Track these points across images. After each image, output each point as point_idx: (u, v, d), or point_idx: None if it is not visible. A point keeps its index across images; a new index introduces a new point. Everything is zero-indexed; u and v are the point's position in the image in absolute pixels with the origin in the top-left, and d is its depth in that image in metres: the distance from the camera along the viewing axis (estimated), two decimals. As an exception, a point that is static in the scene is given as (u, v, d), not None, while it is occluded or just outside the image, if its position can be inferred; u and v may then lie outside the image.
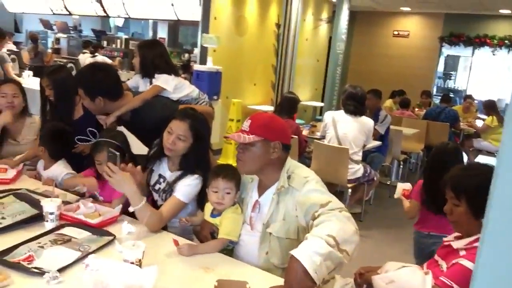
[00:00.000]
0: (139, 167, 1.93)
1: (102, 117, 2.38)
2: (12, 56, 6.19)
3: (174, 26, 9.69)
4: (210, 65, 5.74)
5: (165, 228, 2.05)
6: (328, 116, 4.24)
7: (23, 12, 10.17)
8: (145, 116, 2.37)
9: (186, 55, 7.59)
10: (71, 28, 10.45)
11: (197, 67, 5.74)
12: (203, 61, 5.99)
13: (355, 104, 4.10)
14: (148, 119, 2.34)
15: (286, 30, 6.66)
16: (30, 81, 5.79)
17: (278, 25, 7.34)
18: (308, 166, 4.33)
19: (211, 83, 5.57)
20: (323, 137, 4.34)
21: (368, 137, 4.09)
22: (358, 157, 4.09)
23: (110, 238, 1.73)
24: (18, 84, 2.76)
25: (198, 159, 2.03)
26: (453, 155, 2.50)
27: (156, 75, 2.61)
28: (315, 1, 8.45)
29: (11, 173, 2.33)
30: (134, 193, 1.80)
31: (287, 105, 4.46)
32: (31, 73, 6.36)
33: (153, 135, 2.15)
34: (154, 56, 2.67)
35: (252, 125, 1.68)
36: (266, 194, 1.76)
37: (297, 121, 4.63)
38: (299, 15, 6.77)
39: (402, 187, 2.67)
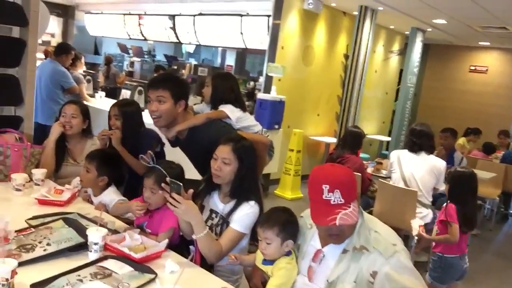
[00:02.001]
0: (190, 191, 1.85)
1: (165, 132, 2.35)
2: (88, 77, 6.52)
3: (242, 54, 9.84)
4: (273, 94, 5.67)
5: (212, 267, 1.93)
6: (394, 155, 3.96)
7: (103, 36, 10.85)
8: (203, 135, 2.30)
9: (252, 83, 7.60)
10: (145, 53, 10.95)
11: (260, 95, 5.70)
12: (267, 89, 5.94)
13: (421, 141, 3.80)
14: (204, 139, 2.26)
15: (355, 61, 6.48)
16: (102, 102, 6.04)
17: (346, 56, 7.17)
18: (371, 206, 4.06)
19: (273, 112, 5.50)
20: (388, 177, 4.06)
21: (439, 180, 3.74)
22: (427, 201, 3.75)
23: (152, 276, 1.63)
24: (80, 105, 2.82)
25: (248, 184, 1.96)
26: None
27: (222, 105, 2.68)
28: (387, 33, 8.21)
29: (66, 195, 2.33)
30: (198, 221, 1.78)
31: (351, 140, 4.23)
32: (103, 94, 6.66)
33: (207, 157, 2.08)
34: (225, 88, 2.77)
35: (345, 194, 1.41)
36: (332, 246, 1.56)
37: (361, 155, 4.39)
38: (369, 46, 6.57)
39: (417, 223, 2.80)
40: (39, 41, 9.16)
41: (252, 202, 1.93)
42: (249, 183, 1.98)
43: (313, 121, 7.03)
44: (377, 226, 1.51)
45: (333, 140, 6.88)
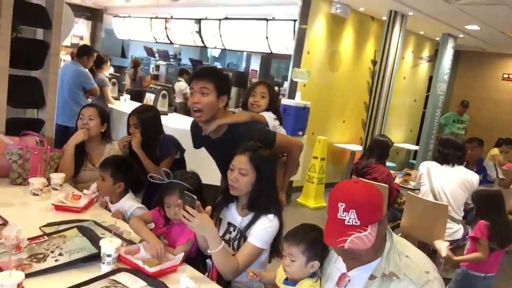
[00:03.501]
0: (208, 208, 1.75)
1: (205, 126, 2.22)
2: (113, 80, 6.55)
3: (267, 58, 9.75)
4: (298, 100, 5.56)
5: (229, 283, 1.83)
6: (423, 166, 3.78)
7: (130, 39, 10.97)
8: (243, 134, 2.15)
9: (276, 88, 7.51)
10: (171, 56, 11.02)
11: (285, 101, 5.59)
12: (292, 95, 5.84)
13: (454, 153, 3.60)
14: (244, 138, 2.10)
15: (383, 67, 6.29)
16: (127, 105, 6.06)
17: (374, 62, 6.99)
18: (398, 219, 3.88)
19: (297, 118, 5.38)
20: (417, 189, 3.88)
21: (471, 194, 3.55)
22: (458, 216, 3.56)
23: (166, 292, 1.54)
24: (98, 108, 2.78)
25: (267, 195, 1.86)
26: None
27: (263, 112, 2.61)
28: (416, 39, 7.98)
29: (84, 201, 2.28)
30: (214, 236, 1.70)
31: (378, 150, 4.07)
32: (128, 97, 6.68)
33: None
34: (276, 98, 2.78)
35: (361, 216, 1.27)
36: (358, 270, 1.42)
37: (388, 164, 4.21)
38: (398, 52, 6.38)
39: (443, 245, 2.71)
40: (68, 43, 9.31)
41: (271, 216, 1.83)
42: (268, 194, 1.87)
43: (338, 128, 6.87)
44: (408, 250, 1.38)
45: (359, 148, 6.70)
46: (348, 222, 1.27)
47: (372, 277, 1.36)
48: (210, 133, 2.20)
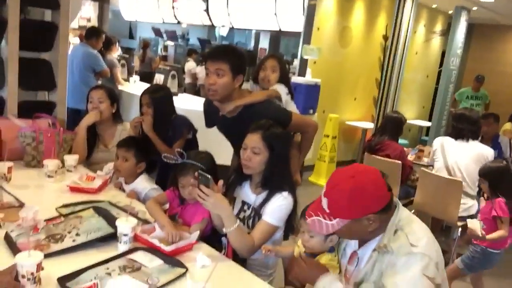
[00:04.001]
0: (220, 182, 1.74)
1: (221, 106, 2.20)
2: (122, 61, 6.53)
3: (276, 36, 9.62)
4: (308, 78, 5.49)
5: (244, 261, 1.84)
6: (437, 142, 3.73)
7: (137, 20, 10.87)
8: (260, 113, 2.12)
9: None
10: (179, 36, 10.92)
11: (295, 79, 5.52)
12: (302, 72, 5.76)
13: (469, 128, 3.55)
14: (262, 117, 2.06)
15: (395, 42, 6.17)
16: (136, 86, 6.05)
17: (385, 37, 6.86)
18: (412, 195, 3.86)
19: (308, 96, 5.32)
20: (431, 165, 3.84)
21: (487, 169, 3.50)
22: (473, 191, 3.52)
23: (182, 270, 1.55)
24: (107, 89, 2.76)
25: (280, 173, 1.85)
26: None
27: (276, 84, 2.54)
28: (429, 12, 7.80)
29: (98, 182, 2.29)
30: (229, 215, 1.69)
31: (391, 127, 4.02)
32: (138, 78, 6.66)
33: None
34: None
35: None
36: (367, 247, 1.42)
37: (400, 141, 4.16)
38: (410, 26, 6.24)
39: (478, 224, 2.68)
40: (76, 25, 9.25)
41: (285, 193, 1.83)
42: (282, 172, 1.87)
43: (349, 106, 6.80)
44: (410, 226, 1.34)
45: (371, 125, 6.64)
46: (322, 204, 1.33)
47: (373, 251, 1.38)
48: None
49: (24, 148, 2.49)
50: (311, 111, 5.39)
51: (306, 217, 1.37)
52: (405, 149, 4.18)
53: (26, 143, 2.49)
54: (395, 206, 1.38)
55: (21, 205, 1.91)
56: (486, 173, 2.86)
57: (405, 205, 4.35)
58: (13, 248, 1.55)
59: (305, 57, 5.69)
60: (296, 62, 6.12)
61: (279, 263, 2.02)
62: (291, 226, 1.88)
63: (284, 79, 2.58)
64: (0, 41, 2.72)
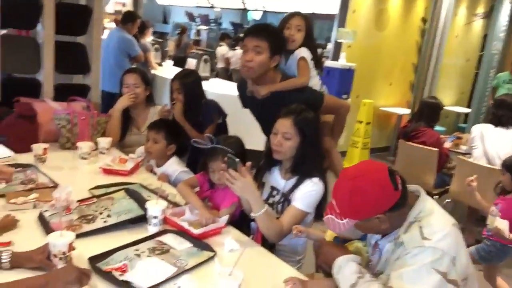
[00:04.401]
0: (248, 164, 1.72)
1: (256, 88, 2.14)
2: (156, 45, 6.58)
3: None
4: (342, 62, 5.37)
5: (273, 246, 1.82)
6: (476, 129, 3.58)
7: (171, 4, 10.93)
8: (290, 94, 2.10)
9: (319, 50, 7.29)
10: (211, 21, 10.91)
11: (328, 63, 5.42)
12: (336, 57, 5.64)
13: (509, 114, 3.39)
14: (292, 98, 2.03)
15: (434, 25, 5.93)
16: (169, 70, 6.09)
17: (424, 20, 6.60)
18: (447, 184, 3.73)
19: (341, 81, 5.21)
20: (468, 153, 3.69)
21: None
22: (514, 181, 3.36)
23: (211, 254, 1.55)
24: (140, 73, 2.76)
25: (311, 159, 1.81)
26: None
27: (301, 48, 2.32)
28: (471, -7, 7.44)
29: (130, 164, 2.32)
30: (256, 198, 1.67)
31: (428, 113, 3.87)
32: (171, 62, 6.71)
33: None
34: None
35: (339, 207, 1.30)
36: (387, 239, 1.37)
37: (436, 128, 4.02)
38: (450, 9, 5.98)
39: (506, 224, 2.57)
40: (111, 10, 9.38)
41: (315, 179, 1.79)
42: (312, 158, 1.83)
43: (384, 91, 6.62)
44: (428, 218, 1.26)
45: (407, 111, 6.44)
46: (334, 203, 1.32)
47: (390, 242, 1.34)
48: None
49: (59, 130, 2.54)
50: (344, 96, 5.28)
51: (324, 214, 1.37)
52: (441, 136, 4.04)
53: (61, 126, 2.54)
54: (417, 196, 1.33)
55: (55, 185, 1.95)
56: (506, 166, 2.73)
57: (440, 194, 4.22)
58: (47, 227, 1.59)
59: (340, 40, 5.56)
60: (330, 46, 6.00)
61: (309, 249, 1.99)
62: (321, 212, 1.85)
63: (309, 42, 2.36)
64: (36, 26, 2.78)
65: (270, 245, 1.79)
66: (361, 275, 1.30)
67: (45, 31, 2.71)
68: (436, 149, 3.67)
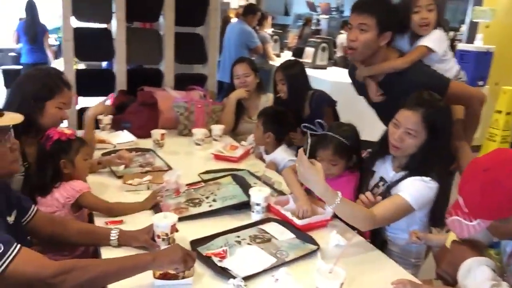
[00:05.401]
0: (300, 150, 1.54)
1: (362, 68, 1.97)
2: (275, 37, 6.62)
3: (442, 1, 8.65)
4: (479, 44, 4.77)
5: (383, 245, 1.65)
6: None
7: (293, -4, 10.93)
8: (409, 77, 1.83)
9: (451, 33, 6.62)
10: (333, 9, 10.65)
11: (462, 46, 4.86)
12: (471, 39, 5.05)
13: None
14: (411, 83, 1.79)
15: None
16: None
17: None
18: None
19: (477, 66, 4.63)
20: None
21: None
22: None
23: (313, 248, 1.45)
24: (249, 62, 2.76)
25: (434, 157, 1.55)
26: None
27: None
28: None
29: (240, 151, 2.32)
30: (322, 192, 1.41)
31: None
32: (290, 53, 6.69)
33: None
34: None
35: (468, 206, 1.11)
36: None
37: None
38: None
39: None
40: (236, 6, 9.71)
41: (426, 178, 1.52)
42: (435, 157, 1.56)
43: (530, 77, 5.75)
44: None
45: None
46: (460, 202, 1.14)
47: None
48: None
49: (177, 117, 2.67)
50: (480, 82, 4.70)
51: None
52: None
53: (180, 113, 2.66)
54: None
55: (169, 169, 2.03)
56: None
57: None
58: (156, 208, 1.65)
59: (476, 20, 4.96)
60: (464, 28, 5.39)
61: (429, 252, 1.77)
62: (436, 218, 1.60)
63: (439, 22, 2.00)
64: (158, 18, 2.94)
65: (381, 242, 1.62)
66: (496, 282, 1.08)
67: (166, 23, 2.86)
68: None
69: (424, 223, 1.65)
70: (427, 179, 1.53)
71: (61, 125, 2.30)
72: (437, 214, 1.60)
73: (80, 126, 2.67)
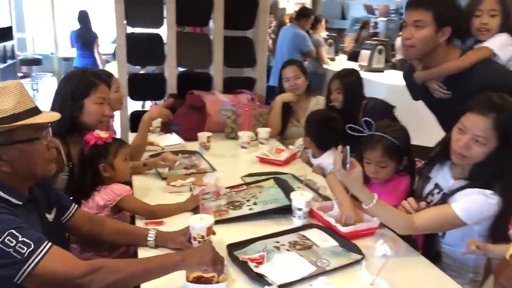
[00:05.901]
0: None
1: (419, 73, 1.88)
2: (330, 40, 6.49)
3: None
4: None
5: (437, 257, 1.52)
6: None
7: (349, -1, 10.73)
8: (474, 77, 1.70)
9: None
10: (391, 12, 10.33)
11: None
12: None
13: None
14: (476, 82, 1.67)
15: None
16: (342, 65, 5.92)
17: None
18: None
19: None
20: None
21: None
22: None
23: (358, 257, 1.35)
24: (298, 64, 2.71)
25: (499, 167, 1.38)
26: None
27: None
28: None
29: (285, 155, 2.26)
30: (360, 190, 1.40)
31: None
32: (345, 57, 6.55)
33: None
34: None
35: None
36: None
37: None
38: None
39: None
40: (291, 11, 9.69)
41: (488, 192, 1.36)
42: (503, 167, 1.39)
43: None
44: None
45: None
46: None
47: None
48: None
49: (224, 121, 2.65)
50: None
51: (510, 226, 1.05)
52: None
53: (227, 116, 2.65)
54: None
55: (213, 171, 2.01)
56: None
57: None
58: (197, 211, 1.62)
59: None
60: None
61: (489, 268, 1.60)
62: (496, 233, 1.44)
63: (506, 26, 1.87)
64: (208, 23, 2.96)
65: (434, 256, 1.48)
66: None
67: (215, 27, 2.87)
68: None
69: (485, 238, 1.49)
70: (489, 192, 1.36)
71: (111, 123, 2.37)
72: (499, 229, 1.44)
73: (133, 129, 2.73)
